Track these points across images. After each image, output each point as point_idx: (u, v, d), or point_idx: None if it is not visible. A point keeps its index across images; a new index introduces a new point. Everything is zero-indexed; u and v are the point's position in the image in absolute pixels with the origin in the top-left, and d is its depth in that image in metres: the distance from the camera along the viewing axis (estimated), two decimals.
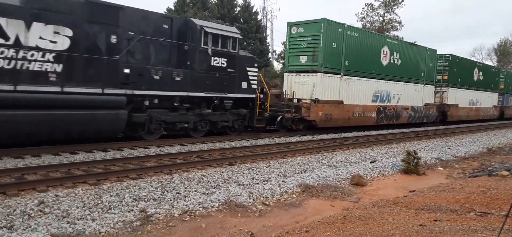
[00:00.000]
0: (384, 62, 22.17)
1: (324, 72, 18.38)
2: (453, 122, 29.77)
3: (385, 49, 22.14)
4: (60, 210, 6.06)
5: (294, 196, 7.91)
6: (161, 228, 5.71)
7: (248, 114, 15.50)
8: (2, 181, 7.51)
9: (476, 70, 32.90)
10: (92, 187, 7.43)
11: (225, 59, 14.10)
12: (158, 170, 9.20)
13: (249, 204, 7.12)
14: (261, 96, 16.03)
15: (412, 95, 24.70)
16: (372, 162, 12.19)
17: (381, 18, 53.92)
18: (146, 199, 6.96)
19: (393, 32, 53.42)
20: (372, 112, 21.41)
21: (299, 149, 13.58)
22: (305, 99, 18.33)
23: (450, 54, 29.31)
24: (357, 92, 20.41)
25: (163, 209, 6.46)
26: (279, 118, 17.45)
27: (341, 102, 19.40)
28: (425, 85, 25.98)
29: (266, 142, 14.97)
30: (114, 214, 6.14)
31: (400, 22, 53.53)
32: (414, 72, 24.83)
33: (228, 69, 14.25)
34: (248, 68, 15.14)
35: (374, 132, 21.01)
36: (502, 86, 38.89)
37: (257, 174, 9.50)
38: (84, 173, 8.41)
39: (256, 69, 15.55)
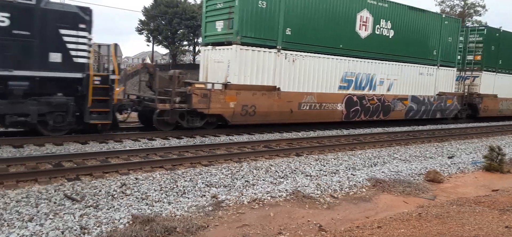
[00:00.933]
0: (363, 33, 15.99)
1: (243, 43, 12.91)
2: (488, 118, 22.97)
3: (365, 14, 15.88)
4: (140, 193, 6.50)
5: (363, 190, 7.70)
6: (231, 214, 5.88)
7: (73, 104, 10.18)
8: (89, 163, 8.24)
9: None
10: (168, 171, 7.86)
11: (7, 15, 8.95)
12: (227, 158, 9.47)
13: (317, 195, 7.07)
14: (111, 77, 10.64)
15: (416, 81, 18.55)
16: (450, 158, 11.43)
17: (462, 2, 50.02)
18: (217, 186, 7.22)
19: (476, 18, 49.35)
20: (338, 104, 15.64)
21: (369, 141, 13.15)
22: (217, 83, 13.04)
23: (486, 26, 23.50)
24: (309, 75, 14.71)
25: (233, 196, 6.64)
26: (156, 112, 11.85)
27: (275, 88, 13.83)
28: (440, 67, 19.48)
29: (333, 133, 14.70)
30: (188, 198, 6.45)
31: (483, 6, 49.26)
32: (419, 49, 18.23)
33: (15, 31, 9.08)
34: (63, 31, 9.69)
35: (452, 126, 19.67)
36: None
37: (324, 166, 9.39)
38: (161, 158, 8.93)
39: (84, 33, 9.99)
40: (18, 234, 4.61)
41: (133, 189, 6.65)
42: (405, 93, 18.11)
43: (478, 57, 22.76)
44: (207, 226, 5.32)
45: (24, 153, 8.86)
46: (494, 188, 8.40)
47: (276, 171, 8.52)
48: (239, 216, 5.86)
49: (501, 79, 23.78)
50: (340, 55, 15.54)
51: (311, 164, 9.41)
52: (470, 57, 22.95)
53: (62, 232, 4.75)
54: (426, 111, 19.14)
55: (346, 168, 9.43)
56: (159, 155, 9.26)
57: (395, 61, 17.42)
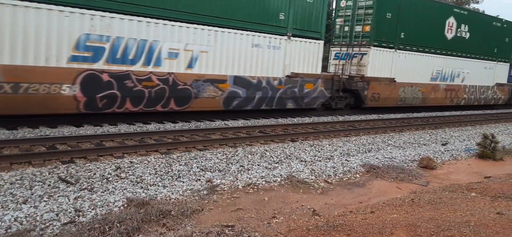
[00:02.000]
0: None
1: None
2: (382, 110, 18.76)
3: None
4: (134, 176, 6.50)
5: (357, 175, 7.75)
6: (226, 198, 5.91)
7: None
8: (84, 146, 8.22)
9: None
10: (163, 155, 7.86)
11: None
12: (223, 142, 9.48)
13: (311, 181, 7.10)
14: None
15: (243, 57, 13.04)
16: (443, 145, 11.52)
17: None
18: (212, 170, 7.23)
19: (473, 5, 49.21)
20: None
21: (363, 127, 13.20)
22: None
23: None
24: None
25: (227, 180, 6.67)
26: None
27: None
28: (293, 38, 14.08)
29: (329, 119, 14.74)
30: (183, 182, 6.46)
31: None
32: (253, 11, 12.89)
33: None
34: None
35: (447, 113, 19.79)
36: None
37: (319, 152, 9.43)
38: (156, 142, 8.92)
39: None
40: (12, 216, 4.61)
41: (128, 172, 6.65)
42: (215, 73, 12.41)
43: (367, 28, 17.12)
44: (202, 210, 5.35)
45: (17, 135, 8.81)
46: (487, 175, 8.48)
47: (271, 156, 8.55)
48: (233, 200, 5.88)
49: (402, 59, 18.14)
50: None
51: (305, 150, 9.44)
52: (358, 28, 17.45)
53: (57, 215, 4.76)
54: (265, 99, 13.72)
55: (341, 153, 9.48)
56: (154, 139, 9.25)
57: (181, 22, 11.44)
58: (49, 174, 6.23)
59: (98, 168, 6.73)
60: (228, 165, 7.64)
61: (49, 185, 5.77)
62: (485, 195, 6.31)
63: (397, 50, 18.00)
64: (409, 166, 8.80)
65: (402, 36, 18.05)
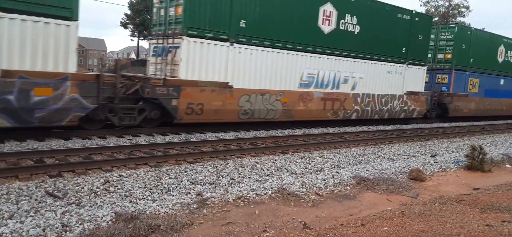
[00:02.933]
0: None
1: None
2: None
3: None
4: (123, 190, 6.42)
5: (348, 188, 7.76)
6: (216, 212, 5.86)
7: None
8: (72, 160, 8.10)
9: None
10: (153, 168, 7.79)
11: None
12: (213, 155, 9.44)
13: (302, 193, 7.09)
14: None
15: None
16: (432, 156, 11.62)
17: (446, 3, 50.83)
18: (202, 183, 7.18)
19: (459, 18, 50.22)
20: None
21: (354, 139, 13.27)
22: None
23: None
24: None
25: (218, 193, 6.62)
26: None
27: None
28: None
29: (319, 131, 14.79)
30: (173, 196, 6.40)
31: (467, 7, 50.14)
32: None
33: None
34: None
35: (435, 125, 20.01)
36: None
37: (310, 164, 9.43)
38: (146, 155, 8.84)
39: None
40: None
41: (117, 186, 6.56)
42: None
43: (179, 10, 12.24)
44: (192, 224, 5.29)
45: (4, 148, 8.67)
46: (475, 186, 8.56)
47: (262, 169, 8.52)
48: (224, 213, 5.84)
49: (244, 56, 13.36)
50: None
51: (296, 162, 9.44)
52: (171, 11, 12.67)
53: (43, 230, 4.66)
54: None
55: (331, 166, 9.49)
56: (143, 152, 9.16)
57: None
58: (36, 188, 6.12)
59: (86, 181, 6.64)
60: (219, 177, 7.60)
61: (36, 200, 5.67)
62: (474, 206, 6.35)
63: (235, 45, 13.06)
64: (399, 177, 8.84)
65: (243, 25, 13.16)
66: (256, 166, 8.67)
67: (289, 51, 14.46)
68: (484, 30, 26.95)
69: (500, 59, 25.37)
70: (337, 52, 16.02)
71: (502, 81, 25.81)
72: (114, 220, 5.16)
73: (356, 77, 16.87)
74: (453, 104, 22.17)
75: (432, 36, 22.05)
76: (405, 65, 18.89)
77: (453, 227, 4.87)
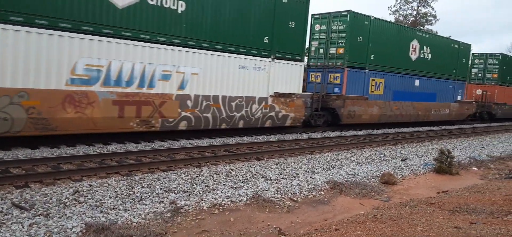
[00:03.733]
0: None
1: None
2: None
3: None
4: (94, 200, 6.24)
5: (322, 193, 7.84)
6: (190, 220, 5.78)
7: None
8: (39, 170, 7.82)
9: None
10: (125, 177, 7.61)
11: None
12: (187, 162, 9.33)
13: (277, 199, 7.11)
14: None
15: None
16: (403, 160, 11.91)
17: (414, 12, 52.53)
18: (176, 191, 7.07)
19: (427, 27, 51.96)
20: None
21: (327, 145, 13.44)
22: None
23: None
24: None
25: (192, 201, 6.54)
26: None
27: None
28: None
29: (293, 137, 14.90)
30: (145, 205, 6.27)
31: (435, 16, 51.98)
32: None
33: None
34: None
35: (405, 129, 20.55)
36: None
37: (284, 169, 9.47)
38: (117, 163, 8.63)
39: None
40: None
41: (87, 196, 6.38)
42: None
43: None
44: (165, 233, 5.20)
45: None
46: (444, 189, 8.83)
47: (237, 175, 8.49)
48: (198, 222, 5.77)
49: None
50: None
51: (271, 168, 9.46)
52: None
53: None
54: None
55: (306, 171, 9.57)
56: (115, 161, 8.95)
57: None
58: (1, 199, 5.87)
59: (54, 192, 6.42)
60: (193, 185, 7.51)
61: (1, 212, 5.43)
62: (443, 209, 6.54)
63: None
64: (371, 182, 9.01)
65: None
66: (231, 173, 8.63)
67: (46, 30, 9.47)
68: (392, 22, 23.45)
69: (414, 56, 21.65)
70: (146, 36, 11.21)
71: (417, 82, 22.18)
72: (84, 231, 5.00)
73: (186, 72, 12.23)
74: (346, 109, 17.97)
75: (324, 26, 18.99)
76: (269, 59, 14.42)
77: (423, 230, 4.99)
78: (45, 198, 6.11)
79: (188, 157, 9.83)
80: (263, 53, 14.30)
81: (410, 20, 51.65)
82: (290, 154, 11.57)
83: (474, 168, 11.87)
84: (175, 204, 6.34)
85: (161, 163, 8.95)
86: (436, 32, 49.84)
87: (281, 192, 7.51)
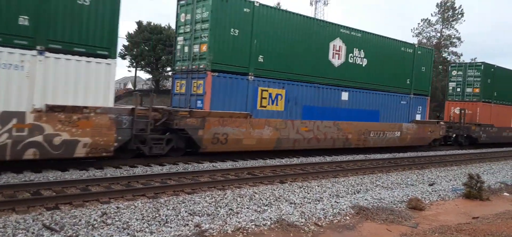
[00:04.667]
0: None
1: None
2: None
3: None
4: (121, 222, 6.35)
5: (347, 218, 7.72)
6: None
7: None
8: (69, 191, 8.04)
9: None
10: (150, 200, 7.73)
11: None
12: (211, 185, 9.40)
13: (301, 224, 7.04)
14: None
15: None
16: (430, 185, 11.61)
17: (438, 34, 51.92)
18: (200, 214, 7.12)
19: (452, 49, 51.19)
20: None
21: (351, 168, 13.27)
22: None
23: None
24: None
25: (216, 224, 6.56)
26: None
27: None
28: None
29: (317, 160, 14.79)
30: (171, 227, 6.33)
31: (459, 38, 51.18)
32: None
33: None
34: None
35: (431, 153, 20.07)
36: None
37: (308, 193, 9.39)
38: (143, 186, 8.78)
39: None
40: None
41: (114, 218, 6.49)
42: None
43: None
44: None
45: (1, 181, 8.58)
46: (474, 215, 8.54)
47: (260, 199, 8.48)
48: None
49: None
50: None
51: (295, 192, 9.40)
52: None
53: None
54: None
55: (330, 195, 9.46)
56: (141, 183, 9.11)
57: None
58: (33, 221, 6.05)
59: (83, 214, 6.57)
60: (217, 208, 7.54)
61: (33, 233, 5.60)
62: (474, 236, 6.33)
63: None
64: (398, 207, 8.81)
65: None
66: (254, 196, 8.62)
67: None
68: (294, 12, 15.40)
69: (337, 61, 16.47)
70: None
71: (345, 95, 16.97)
72: None
73: None
74: (209, 131, 12.56)
75: (189, 16, 14.00)
76: (33, 52, 9.36)
77: None
78: (74, 220, 6.26)
79: (212, 180, 9.90)
80: (15, 41, 9.16)
81: (433, 43, 51.01)
82: (314, 177, 11.48)
83: (505, 194, 11.44)
84: (200, 227, 6.38)
85: (185, 186, 9.05)
86: (461, 55, 48.91)
87: (306, 216, 7.43)
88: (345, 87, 17.02)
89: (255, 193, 8.91)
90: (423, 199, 9.59)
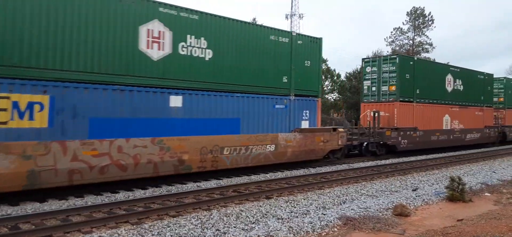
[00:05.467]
0: None
1: None
2: None
3: None
4: None
5: (335, 229, 7.69)
6: None
7: None
8: (49, 223, 7.74)
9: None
10: (134, 226, 7.52)
11: None
12: (196, 206, 9.24)
13: None
14: None
15: None
16: (414, 190, 11.74)
17: (411, 41, 53.34)
18: None
19: (424, 54, 52.59)
20: None
21: (336, 179, 13.31)
22: None
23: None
24: None
25: None
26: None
27: None
28: None
29: (301, 173, 14.78)
30: None
31: (431, 44, 52.70)
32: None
33: None
34: None
35: (412, 158, 20.35)
36: None
37: (295, 207, 9.35)
38: (126, 212, 8.55)
39: None
40: None
41: None
42: None
43: None
44: None
45: None
46: (459, 217, 8.66)
47: (247, 216, 8.37)
48: None
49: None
50: None
51: (281, 206, 9.34)
52: None
53: None
54: None
55: (317, 207, 9.43)
56: (123, 209, 8.87)
57: None
58: None
59: None
60: (203, 230, 7.39)
61: None
62: None
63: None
64: (384, 214, 8.85)
65: None
66: (241, 214, 8.51)
67: None
68: None
69: (156, 53, 11.70)
70: None
71: (176, 100, 12.19)
72: None
73: None
74: None
75: None
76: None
77: None
78: None
79: (197, 200, 9.74)
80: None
81: (406, 50, 52.34)
82: (299, 190, 11.45)
83: (486, 194, 11.67)
84: None
85: (170, 209, 8.86)
86: (434, 60, 50.24)
87: (294, 231, 7.37)
88: (175, 89, 12.11)
89: (242, 210, 8.80)
90: (408, 204, 9.68)
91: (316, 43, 16.47)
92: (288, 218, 8.42)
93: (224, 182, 12.67)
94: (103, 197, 10.21)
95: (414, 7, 52.66)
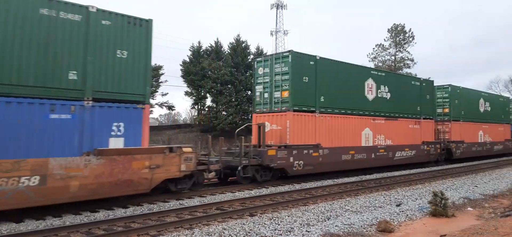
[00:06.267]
0: None
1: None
2: None
3: None
4: None
5: None
6: None
7: None
8: None
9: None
10: None
11: None
12: (178, 225, 9.04)
13: None
14: None
15: None
16: (397, 206, 11.76)
17: (392, 57, 54.32)
18: None
19: (406, 70, 53.55)
20: None
21: (320, 194, 13.26)
22: None
23: None
24: None
25: None
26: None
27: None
28: None
29: (286, 189, 14.69)
30: None
31: (412, 60, 53.74)
32: None
33: None
34: None
35: (396, 173, 20.48)
36: None
37: (279, 224, 9.22)
38: (105, 232, 8.30)
39: None
40: None
41: None
42: None
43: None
44: None
45: None
46: (442, 233, 8.66)
47: (230, 235, 8.22)
48: None
49: None
50: None
51: (265, 224, 9.21)
52: None
53: None
54: None
55: (301, 224, 9.33)
56: (102, 229, 8.61)
57: None
58: None
59: None
60: None
61: None
62: None
63: None
64: (368, 231, 8.81)
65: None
66: (224, 233, 8.35)
67: None
68: None
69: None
70: None
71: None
72: None
73: None
74: None
75: None
76: None
77: None
78: None
79: (179, 219, 9.54)
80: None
81: (388, 65, 53.24)
82: (283, 207, 11.34)
83: (469, 208, 11.76)
84: None
85: (151, 228, 8.64)
86: (415, 75, 51.14)
87: None
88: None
89: (225, 229, 8.64)
90: (391, 220, 9.66)
91: (140, 26, 11.56)
92: (272, 235, 8.29)
93: (208, 199, 12.49)
94: (82, 216, 9.92)
95: (394, 24, 53.92)
